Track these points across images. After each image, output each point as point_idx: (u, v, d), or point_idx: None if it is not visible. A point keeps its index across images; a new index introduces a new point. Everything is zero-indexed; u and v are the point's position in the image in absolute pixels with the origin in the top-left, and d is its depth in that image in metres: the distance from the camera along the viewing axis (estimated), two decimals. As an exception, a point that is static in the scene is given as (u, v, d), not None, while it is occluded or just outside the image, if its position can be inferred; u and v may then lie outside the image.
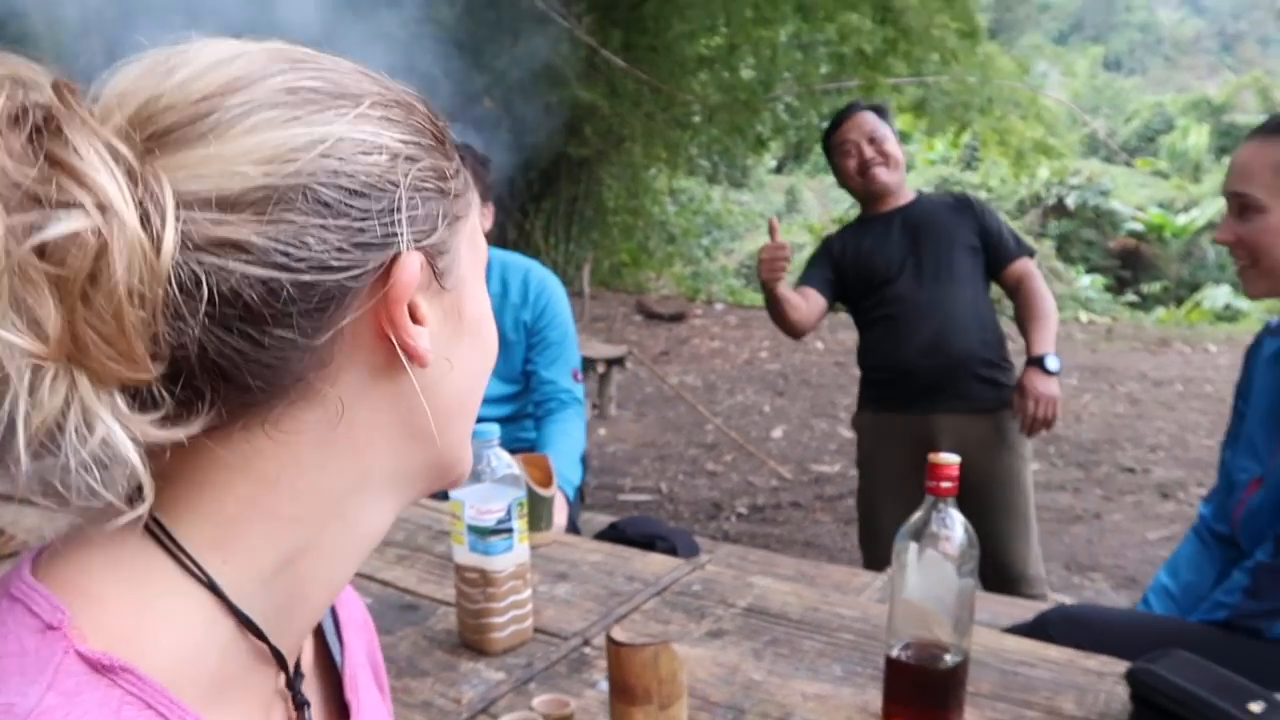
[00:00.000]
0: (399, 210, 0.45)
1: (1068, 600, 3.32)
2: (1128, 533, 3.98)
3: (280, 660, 0.49)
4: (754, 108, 12.04)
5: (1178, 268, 16.08)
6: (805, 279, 2.67)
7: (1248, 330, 9.89)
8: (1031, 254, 2.54)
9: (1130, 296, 14.81)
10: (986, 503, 2.42)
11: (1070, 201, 17.20)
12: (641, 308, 10.83)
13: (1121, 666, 1.09)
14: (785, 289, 2.46)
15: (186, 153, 0.41)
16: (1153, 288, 15.38)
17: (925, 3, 10.89)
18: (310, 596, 0.50)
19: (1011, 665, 1.12)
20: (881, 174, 2.51)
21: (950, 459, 0.94)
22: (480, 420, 2.03)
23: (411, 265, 0.46)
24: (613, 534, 2.03)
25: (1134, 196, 18.22)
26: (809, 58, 12.55)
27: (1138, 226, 16.64)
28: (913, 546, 0.96)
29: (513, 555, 1.16)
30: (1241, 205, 1.35)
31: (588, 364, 5.97)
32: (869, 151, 2.49)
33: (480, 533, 1.14)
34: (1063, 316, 11.15)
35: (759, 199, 23.25)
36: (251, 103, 0.43)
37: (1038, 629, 1.29)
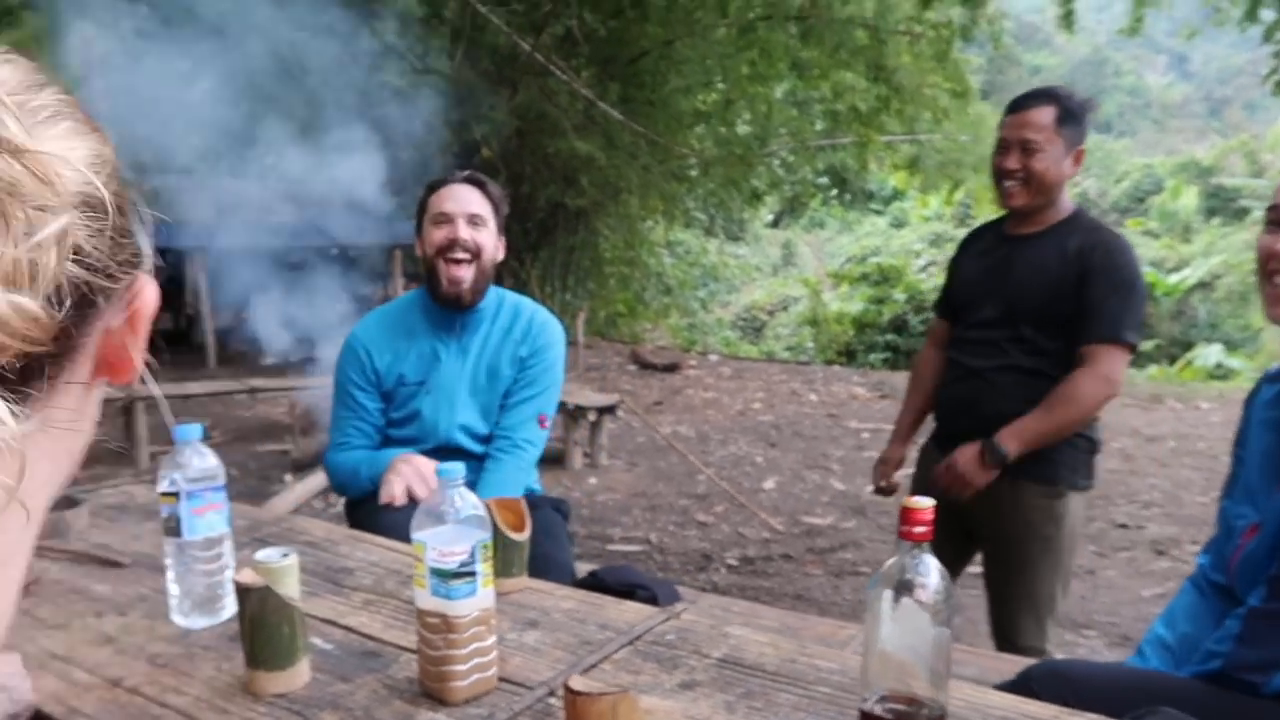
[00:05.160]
0: (141, 230, 0.47)
1: (1059, 657, 3.25)
2: (1122, 589, 3.92)
3: None
4: (749, 162, 12.19)
5: (1169, 326, 16.14)
6: (939, 305, 2.52)
7: (1240, 388, 9.88)
8: (1117, 342, 2.06)
9: (1123, 354, 14.82)
10: (1008, 572, 2.26)
11: (1063, 259, 17.29)
12: (636, 358, 10.81)
13: (1108, 724, 1.04)
14: (904, 433, 2.53)
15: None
16: (1144, 346, 15.41)
17: (918, 63, 11.08)
18: None
19: (993, 722, 1.07)
20: (1012, 194, 2.15)
21: (924, 503, 0.91)
22: (459, 453, 2.01)
23: (154, 283, 0.48)
24: (592, 582, 1.98)
25: (1126, 255, 18.31)
26: (804, 114, 12.76)
27: (1130, 284, 16.68)
28: (887, 595, 0.92)
29: (476, 600, 1.12)
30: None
31: (579, 412, 5.94)
32: (1012, 161, 2.12)
33: (442, 576, 1.10)
34: (1056, 372, 11.19)
35: (755, 252, 23.43)
36: (50, 107, 0.43)
37: (1022, 685, 1.25)
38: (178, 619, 1.36)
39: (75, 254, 0.41)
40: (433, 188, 2.20)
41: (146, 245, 0.48)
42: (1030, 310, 2.13)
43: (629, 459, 6.39)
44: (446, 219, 2.13)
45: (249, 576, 1.15)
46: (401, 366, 2.20)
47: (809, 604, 3.85)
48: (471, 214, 2.13)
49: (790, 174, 13.83)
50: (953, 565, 2.35)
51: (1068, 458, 2.16)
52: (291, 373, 7.59)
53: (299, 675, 1.16)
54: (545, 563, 1.76)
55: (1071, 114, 2.10)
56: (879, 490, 2.59)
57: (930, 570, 0.91)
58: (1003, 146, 2.15)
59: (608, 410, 6.12)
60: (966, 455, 2.14)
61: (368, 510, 2.11)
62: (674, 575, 4.23)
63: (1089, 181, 21.76)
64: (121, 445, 6.14)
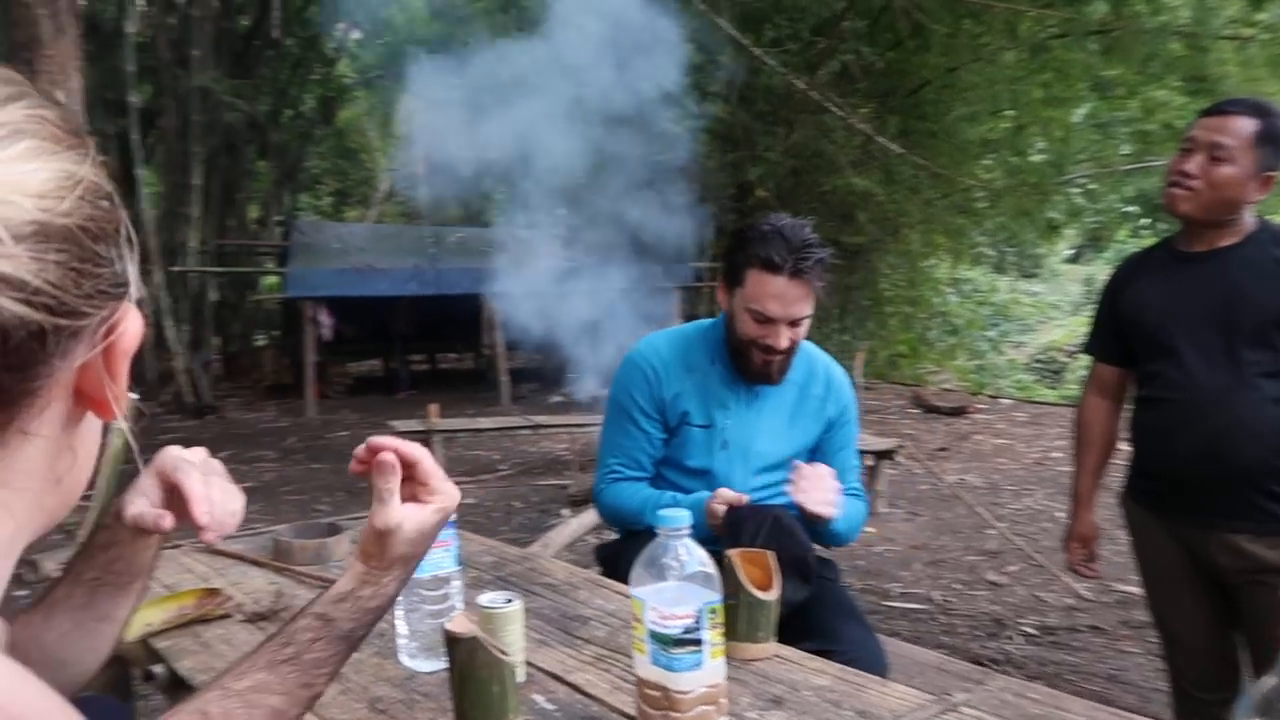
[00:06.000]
0: (126, 258, 0.42)
1: None
2: None
3: None
4: (1044, 191, 11.27)
5: None
6: (1095, 347, 2.28)
7: None
8: None
9: None
10: (1264, 646, 1.89)
11: None
12: (919, 400, 10.25)
13: None
14: (1087, 500, 2.37)
15: None
16: None
17: (1247, 71, 9.75)
18: None
19: None
20: (1176, 199, 1.94)
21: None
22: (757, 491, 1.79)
23: (137, 314, 0.43)
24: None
25: None
26: (1107, 136, 11.64)
27: None
28: (1262, 723, 0.65)
29: (702, 674, 0.95)
30: None
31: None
32: (1193, 165, 1.90)
33: (663, 642, 0.94)
34: None
35: (1053, 289, 21.73)
36: (9, 124, 0.38)
37: None
38: (405, 660, 1.30)
39: (17, 291, 0.37)
40: (750, 239, 1.86)
41: (130, 272, 0.42)
42: (1265, 326, 1.89)
43: (909, 508, 5.97)
44: (769, 322, 1.84)
45: (460, 624, 1.05)
46: (686, 403, 1.98)
47: (1125, 688, 3.30)
48: (796, 319, 1.86)
49: (1092, 203, 12.64)
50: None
51: None
52: (573, 411, 7.89)
53: (509, 740, 1.04)
54: (859, 652, 1.54)
55: (1275, 134, 1.88)
56: (1078, 572, 2.38)
57: (1334, 696, 0.63)
58: (1188, 148, 1.94)
59: (886, 455, 5.76)
60: None
61: (620, 547, 2.01)
62: (960, 640, 3.82)
63: None
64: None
